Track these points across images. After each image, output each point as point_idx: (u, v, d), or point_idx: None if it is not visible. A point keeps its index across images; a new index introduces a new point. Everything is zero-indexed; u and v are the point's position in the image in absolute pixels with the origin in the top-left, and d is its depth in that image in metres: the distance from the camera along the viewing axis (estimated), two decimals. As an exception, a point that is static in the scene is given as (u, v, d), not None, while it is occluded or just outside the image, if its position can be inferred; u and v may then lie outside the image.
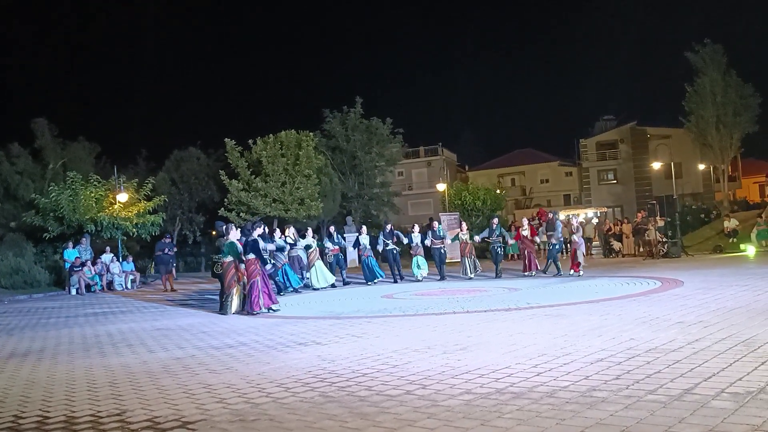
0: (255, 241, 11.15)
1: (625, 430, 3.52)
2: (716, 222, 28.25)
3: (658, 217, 21.78)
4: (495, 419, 3.87)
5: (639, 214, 24.89)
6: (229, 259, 11.12)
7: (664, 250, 20.95)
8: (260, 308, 10.73)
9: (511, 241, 17.90)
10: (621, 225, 25.31)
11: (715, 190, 41.01)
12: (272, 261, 13.89)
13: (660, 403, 3.97)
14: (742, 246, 22.00)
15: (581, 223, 27.84)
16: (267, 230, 12.43)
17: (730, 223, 24.75)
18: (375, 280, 16.69)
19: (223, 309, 11.16)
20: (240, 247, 11.09)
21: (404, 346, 6.59)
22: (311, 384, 5.11)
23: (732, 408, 3.77)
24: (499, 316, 8.69)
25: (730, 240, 23.72)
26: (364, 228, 18.17)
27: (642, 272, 15.38)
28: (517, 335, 6.91)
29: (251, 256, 10.92)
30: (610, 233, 24.78)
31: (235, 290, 11.01)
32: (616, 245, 24.04)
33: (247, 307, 10.79)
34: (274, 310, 10.86)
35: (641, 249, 23.05)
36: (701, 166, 41.27)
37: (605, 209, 43.01)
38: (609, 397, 4.17)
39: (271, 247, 13.42)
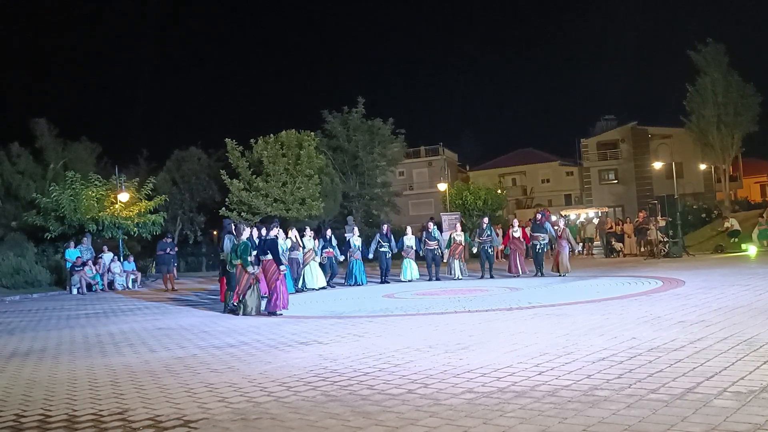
0: (274, 241, 10.99)
1: (627, 428, 3.51)
2: (717, 222, 28.21)
3: (659, 217, 21.77)
4: (497, 418, 3.86)
5: (640, 214, 24.87)
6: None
7: (666, 250, 20.93)
8: (285, 308, 10.62)
9: (501, 246, 17.89)
10: (622, 225, 25.30)
11: (716, 190, 40.91)
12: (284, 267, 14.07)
13: (662, 401, 3.97)
14: (743, 246, 21.98)
15: (581, 223, 27.92)
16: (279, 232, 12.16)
17: (731, 223, 24.72)
18: (355, 284, 16.57)
19: (235, 310, 10.88)
20: (254, 247, 10.90)
21: (406, 346, 6.59)
22: (313, 383, 5.11)
23: (734, 407, 3.77)
24: (500, 316, 8.69)
25: (732, 240, 23.69)
26: (356, 230, 18.21)
27: (643, 272, 15.37)
28: (519, 334, 6.91)
29: (269, 256, 10.72)
30: (611, 231, 24.78)
31: (250, 293, 10.69)
32: (617, 245, 24.03)
33: (268, 308, 10.57)
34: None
35: (642, 249, 23.04)
36: (702, 166, 41.17)
37: (606, 209, 42.98)
38: (611, 396, 4.16)
39: (287, 253, 13.60)
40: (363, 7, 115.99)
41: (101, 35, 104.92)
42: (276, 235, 11.32)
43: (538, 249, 16.09)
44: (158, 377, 5.75)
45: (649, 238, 22.29)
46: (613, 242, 24.19)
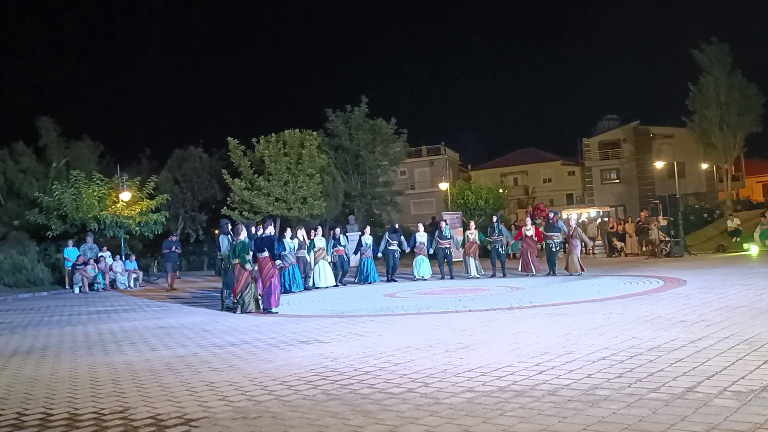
0: (270, 238, 11.09)
1: (627, 428, 3.51)
2: (719, 221, 28.18)
3: (660, 217, 21.75)
4: (497, 417, 3.87)
5: (642, 214, 24.86)
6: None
7: (667, 250, 20.92)
8: (278, 305, 10.75)
9: (511, 241, 17.92)
10: (624, 224, 25.29)
11: (718, 190, 40.89)
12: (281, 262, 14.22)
13: (662, 401, 3.97)
14: (745, 245, 21.96)
15: (582, 223, 27.92)
16: (275, 231, 12.35)
17: (733, 223, 24.70)
18: (368, 282, 16.78)
19: (233, 308, 11.05)
20: (251, 245, 11.01)
21: (406, 345, 6.59)
22: (314, 382, 5.11)
23: (734, 406, 3.77)
24: (501, 315, 8.68)
25: (733, 239, 23.66)
26: (368, 228, 18.45)
27: (644, 271, 15.36)
28: (520, 334, 6.91)
29: (266, 254, 10.86)
30: (613, 230, 24.78)
31: (248, 290, 10.82)
32: (618, 244, 24.02)
33: (264, 305, 10.73)
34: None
35: (644, 248, 23.02)
36: (704, 166, 41.15)
37: (608, 209, 42.95)
38: (611, 396, 4.16)
39: (285, 252, 13.91)
40: (366, 7, 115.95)
41: (103, 34, 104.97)
42: (272, 233, 11.46)
43: (553, 248, 16.09)
44: (159, 376, 5.76)
45: (650, 237, 22.28)
46: (615, 241, 24.18)
